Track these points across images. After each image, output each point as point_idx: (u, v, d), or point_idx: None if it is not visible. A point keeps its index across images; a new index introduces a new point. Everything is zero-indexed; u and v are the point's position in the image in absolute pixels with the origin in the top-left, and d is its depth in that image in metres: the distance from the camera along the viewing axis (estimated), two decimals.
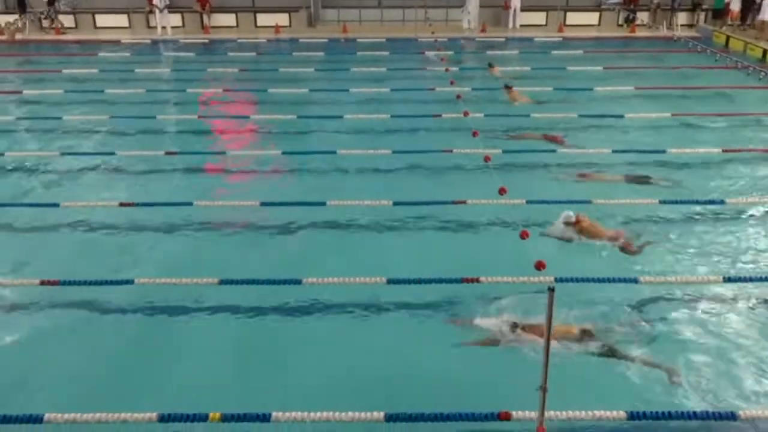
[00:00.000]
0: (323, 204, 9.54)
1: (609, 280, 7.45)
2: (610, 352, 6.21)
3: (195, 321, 7.35)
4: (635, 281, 7.51)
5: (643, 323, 6.80)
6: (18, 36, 23.99)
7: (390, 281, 7.50)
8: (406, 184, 10.70)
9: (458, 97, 13.93)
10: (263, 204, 9.74)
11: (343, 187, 10.62)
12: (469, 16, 24.95)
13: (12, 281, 7.91)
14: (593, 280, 7.38)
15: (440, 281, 7.49)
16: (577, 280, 7.26)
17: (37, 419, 5.48)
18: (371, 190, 10.24)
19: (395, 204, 9.49)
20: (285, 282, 7.54)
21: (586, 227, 8.49)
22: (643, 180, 10.43)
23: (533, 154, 11.58)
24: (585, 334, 6.38)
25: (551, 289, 4.29)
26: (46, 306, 7.60)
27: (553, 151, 11.72)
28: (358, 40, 23.32)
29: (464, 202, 9.43)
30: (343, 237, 9.19)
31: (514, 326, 6.38)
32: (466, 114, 12.38)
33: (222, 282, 7.58)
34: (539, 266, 4.85)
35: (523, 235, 5.40)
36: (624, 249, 8.33)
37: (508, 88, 15.40)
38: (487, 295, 7.37)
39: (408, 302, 7.48)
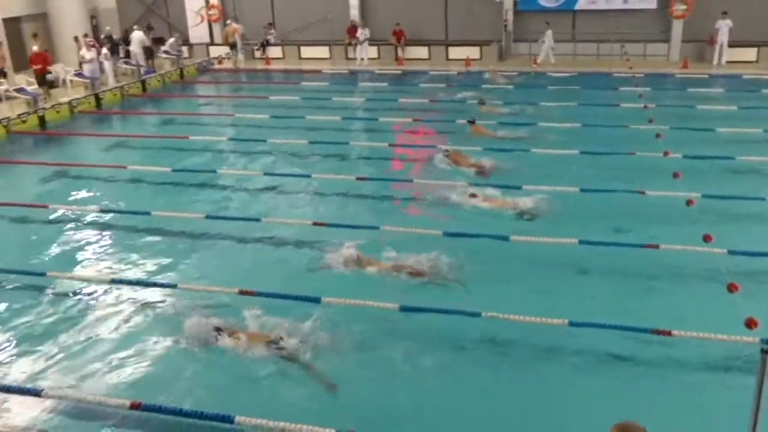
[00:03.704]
0: (506, 239, 9.46)
1: None
2: None
3: (373, 345, 7.52)
4: None
5: None
6: (239, 65, 26.53)
7: (572, 324, 7.25)
8: (595, 225, 10.31)
9: (658, 135, 13.24)
10: (446, 234, 9.84)
11: (529, 223, 10.45)
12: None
13: (214, 288, 8.58)
14: None
15: (626, 329, 7.12)
16: None
17: (229, 419, 6.00)
18: (558, 227, 10.00)
19: (581, 242, 9.18)
20: (463, 313, 7.54)
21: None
22: None
23: (743, 201, 10.66)
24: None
25: (765, 352, 3.90)
26: (241, 315, 8.14)
27: (763, 199, 10.73)
28: (549, 73, 23.03)
29: (656, 247, 8.90)
30: (523, 273, 9.03)
31: None
32: (666, 154, 11.70)
33: (402, 309, 7.74)
34: (750, 324, 4.38)
35: (732, 288, 4.95)
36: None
37: (471, 122, 15.75)
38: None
39: (589, 350, 7.18)
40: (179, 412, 6.22)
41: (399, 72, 24.73)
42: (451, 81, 22.72)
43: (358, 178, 12.64)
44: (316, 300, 8.00)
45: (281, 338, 7.25)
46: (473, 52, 25.86)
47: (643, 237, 9.39)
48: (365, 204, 11.69)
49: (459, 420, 6.28)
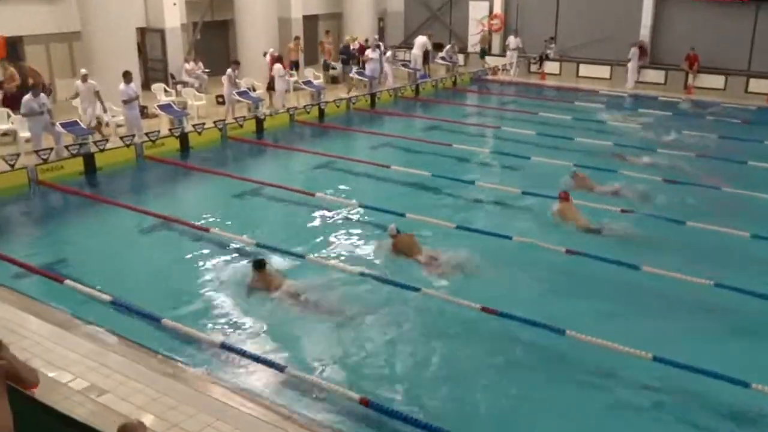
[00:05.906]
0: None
1: None
2: None
3: (619, 393, 6.96)
4: None
5: None
6: (509, 77, 26.34)
7: None
8: None
9: None
10: (717, 285, 8.72)
11: None
12: None
13: (456, 299, 8.48)
14: None
15: None
16: None
17: None
18: None
19: None
20: (718, 376, 6.78)
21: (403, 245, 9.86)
22: None
23: None
24: None
25: None
26: (483, 332, 7.99)
27: None
28: None
29: None
30: None
31: None
32: None
33: (656, 359, 7.07)
34: None
35: None
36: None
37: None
38: None
39: None
40: (401, 417, 6.23)
41: (686, 101, 22.57)
42: (748, 117, 20.11)
43: (623, 211, 11.65)
44: (561, 331, 7.59)
45: None
46: None
47: None
48: (626, 238, 10.65)
49: None
